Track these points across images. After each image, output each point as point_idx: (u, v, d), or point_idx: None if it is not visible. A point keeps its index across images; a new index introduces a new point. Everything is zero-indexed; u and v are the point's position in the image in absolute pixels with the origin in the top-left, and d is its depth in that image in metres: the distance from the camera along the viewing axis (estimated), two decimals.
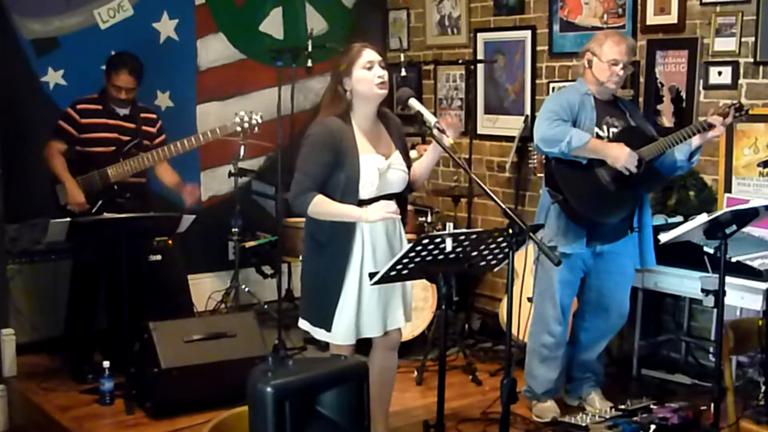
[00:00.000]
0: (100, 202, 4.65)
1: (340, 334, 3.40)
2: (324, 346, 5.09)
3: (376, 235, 3.38)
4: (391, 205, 3.29)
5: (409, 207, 3.61)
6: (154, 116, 4.89)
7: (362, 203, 3.34)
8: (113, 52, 4.82)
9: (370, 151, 3.35)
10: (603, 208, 3.97)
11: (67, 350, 4.84)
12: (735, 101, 3.95)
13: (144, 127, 4.78)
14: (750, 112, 3.98)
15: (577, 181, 3.93)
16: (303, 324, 3.54)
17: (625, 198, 3.98)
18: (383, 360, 3.63)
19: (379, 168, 3.33)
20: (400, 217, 3.37)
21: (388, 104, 3.60)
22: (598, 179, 3.93)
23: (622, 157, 3.85)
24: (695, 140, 3.88)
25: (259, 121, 4.86)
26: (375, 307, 3.40)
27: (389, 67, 3.44)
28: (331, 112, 3.37)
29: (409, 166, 3.50)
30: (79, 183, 4.63)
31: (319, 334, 3.48)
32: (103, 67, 4.75)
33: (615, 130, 3.99)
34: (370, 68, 3.30)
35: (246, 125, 4.83)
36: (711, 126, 3.82)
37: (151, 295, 4.81)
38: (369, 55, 3.33)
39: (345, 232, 3.35)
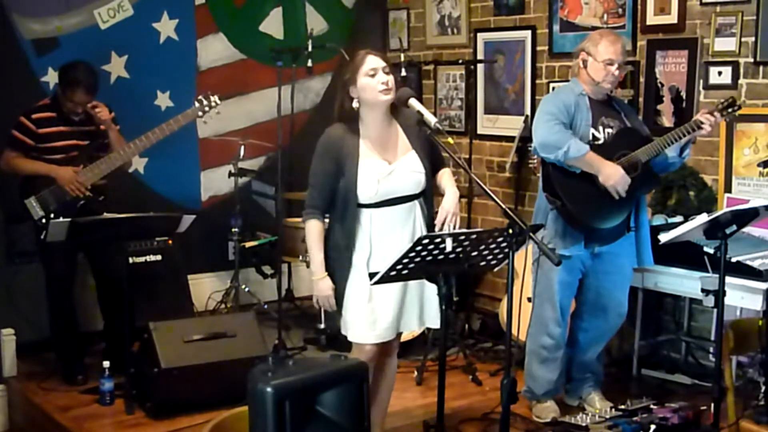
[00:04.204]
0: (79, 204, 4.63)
1: (353, 333, 3.42)
2: (324, 346, 5.14)
3: (387, 238, 3.37)
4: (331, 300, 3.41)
5: None
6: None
7: (370, 206, 3.36)
8: (67, 64, 4.64)
9: (372, 157, 3.36)
10: (601, 213, 3.95)
11: (57, 353, 4.83)
12: (729, 98, 3.95)
13: (100, 127, 4.69)
14: (748, 111, 3.97)
15: (575, 187, 3.92)
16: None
17: (622, 202, 3.97)
18: (381, 365, 3.63)
19: (379, 173, 3.34)
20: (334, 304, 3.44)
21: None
22: (596, 185, 3.91)
23: (614, 177, 3.84)
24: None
25: (218, 102, 4.91)
26: (389, 310, 3.40)
27: (387, 63, 3.43)
28: (341, 118, 3.42)
29: (432, 164, 3.47)
30: (51, 195, 4.57)
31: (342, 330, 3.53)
32: (56, 81, 4.67)
33: (610, 130, 3.98)
34: (373, 75, 3.31)
35: (207, 108, 4.86)
36: (702, 124, 3.83)
37: (150, 295, 4.81)
38: (372, 62, 3.33)
39: (347, 236, 3.36)
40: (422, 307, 3.49)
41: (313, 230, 3.39)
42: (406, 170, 3.41)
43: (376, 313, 3.39)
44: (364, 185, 3.32)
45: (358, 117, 3.40)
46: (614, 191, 3.86)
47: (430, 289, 3.49)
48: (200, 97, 4.91)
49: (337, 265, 3.40)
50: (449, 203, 3.38)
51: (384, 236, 3.38)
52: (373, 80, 3.31)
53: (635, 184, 3.92)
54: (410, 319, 3.48)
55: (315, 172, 3.41)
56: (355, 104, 3.36)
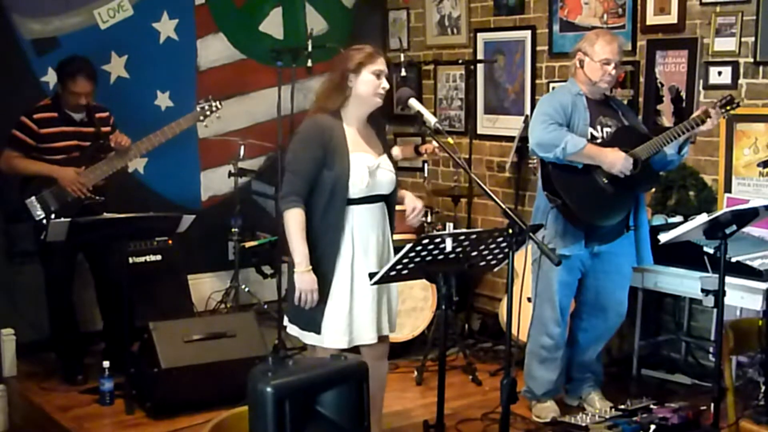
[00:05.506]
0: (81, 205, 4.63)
1: (330, 337, 3.34)
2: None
3: (366, 237, 3.36)
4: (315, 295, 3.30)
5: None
6: (106, 114, 4.80)
7: (351, 202, 3.32)
8: (63, 59, 4.70)
9: (360, 149, 3.34)
10: (602, 210, 3.96)
11: (56, 353, 4.84)
12: (726, 95, 3.96)
13: (102, 129, 4.70)
14: (748, 111, 3.98)
15: (575, 185, 3.92)
16: (292, 329, 3.51)
17: (623, 199, 3.99)
18: (372, 370, 3.60)
19: (369, 166, 3.32)
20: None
21: (389, 104, 3.59)
22: (596, 182, 3.93)
23: (617, 162, 3.85)
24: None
25: (220, 107, 4.98)
26: (368, 312, 3.36)
27: (389, 67, 3.44)
28: (325, 104, 3.36)
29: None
30: (52, 195, 4.57)
31: (308, 338, 3.44)
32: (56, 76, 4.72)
33: (609, 129, 3.99)
34: (378, 75, 3.31)
35: (208, 112, 4.92)
36: (701, 122, 3.84)
37: (150, 295, 4.81)
38: (381, 64, 3.33)
39: (332, 232, 3.32)
40: (390, 311, 3.48)
41: (297, 219, 3.29)
42: (387, 167, 3.41)
43: (352, 317, 3.34)
44: (357, 177, 3.28)
45: (343, 107, 3.35)
46: (621, 174, 3.88)
47: (394, 294, 3.51)
48: (201, 101, 4.94)
49: (320, 268, 3.33)
50: (415, 200, 3.46)
51: (363, 235, 3.34)
52: (376, 80, 3.31)
53: (635, 182, 3.93)
54: (384, 323, 3.45)
55: (299, 158, 3.30)
56: (347, 93, 3.33)
